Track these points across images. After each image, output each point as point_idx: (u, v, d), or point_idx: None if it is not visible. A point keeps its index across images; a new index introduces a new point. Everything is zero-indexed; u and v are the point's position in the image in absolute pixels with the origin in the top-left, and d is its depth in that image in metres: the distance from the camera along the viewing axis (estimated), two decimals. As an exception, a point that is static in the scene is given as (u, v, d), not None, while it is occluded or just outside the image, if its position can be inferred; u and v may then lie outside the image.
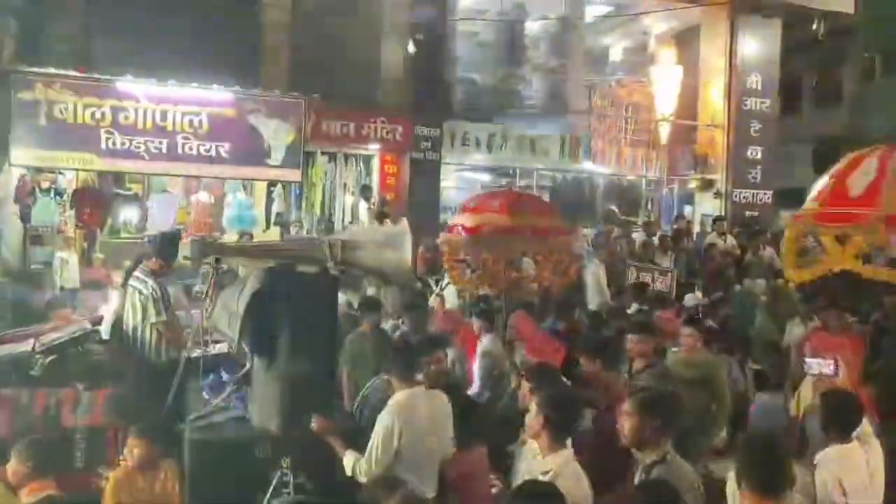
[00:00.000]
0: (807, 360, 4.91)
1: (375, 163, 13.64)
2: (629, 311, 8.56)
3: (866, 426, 4.13)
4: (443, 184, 14.31)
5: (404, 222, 7.89)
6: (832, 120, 22.71)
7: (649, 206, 17.01)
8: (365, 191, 13.08)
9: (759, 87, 16.11)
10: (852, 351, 5.41)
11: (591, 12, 16.22)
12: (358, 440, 4.32)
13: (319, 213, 13.26)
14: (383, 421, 4.15)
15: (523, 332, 6.91)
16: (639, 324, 6.15)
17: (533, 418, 3.56)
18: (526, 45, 15.85)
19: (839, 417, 4.02)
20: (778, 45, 16.42)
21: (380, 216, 11.45)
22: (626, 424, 3.56)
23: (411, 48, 13.25)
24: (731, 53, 16.05)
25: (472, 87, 15.46)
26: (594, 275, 10.43)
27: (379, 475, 4.09)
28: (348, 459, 4.20)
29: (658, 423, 3.51)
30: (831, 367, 4.61)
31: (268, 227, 13.06)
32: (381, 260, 4.98)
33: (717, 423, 5.72)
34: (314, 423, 4.33)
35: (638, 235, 13.23)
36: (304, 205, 13.20)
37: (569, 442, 3.62)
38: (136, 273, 6.25)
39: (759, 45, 16.14)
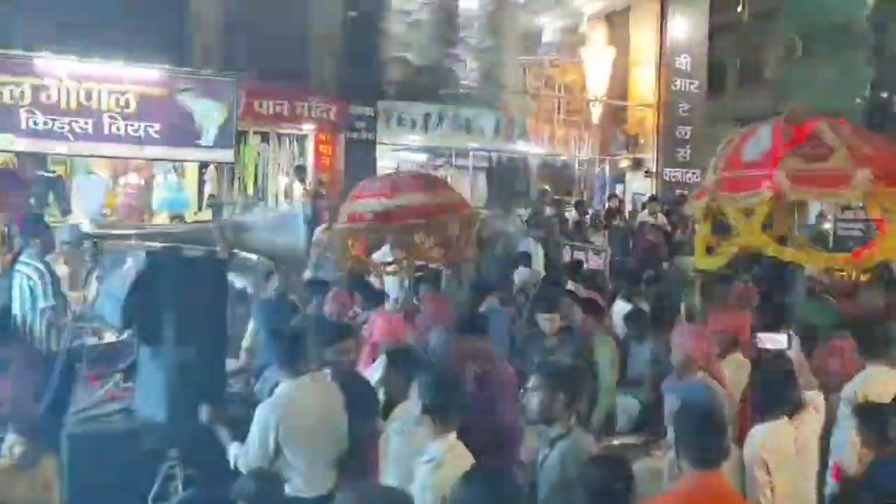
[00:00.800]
0: (758, 335, 4.95)
1: (310, 143, 13.44)
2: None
3: (811, 397, 4.23)
4: (379, 164, 14.21)
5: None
6: (756, 100, 23.39)
7: (582, 185, 17.24)
8: (299, 171, 12.89)
9: (688, 68, 16.47)
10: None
11: (525, -9, 16.28)
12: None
13: (252, 194, 13.03)
14: (260, 414, 3.91)
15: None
16: (547, 301, 6.14)
17: (412, 407, 3.46)
18: (460, 24, 15.79)
19: (767, 395, 4.03)
20: (706, 27, 16.80)
21: (315, 197, 11.33)
22: (533, 400, 3.58)
23: (344, 27, 13.09)
24: (661, 35, 16.35)
25: (406, 66, 15.33)
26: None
27: (258, 469, 3.87)
28: (232, 451, 3.99)
29: (564, 397, 3.53)
30: (784, 341, 4.66)
31: (200, 209, 12.75)
32: (272, 242, 4.91)
33: (596, 402, 5.67)
34: (203, 413, 4.13)
35: (571, 214, 13.44)
36: (236, 186, 12.94)
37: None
38: (23, 257, 5.93)
39: (687, 26, 16.48)
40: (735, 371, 4.82)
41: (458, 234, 7.47)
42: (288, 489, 3.82)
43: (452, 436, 3.41)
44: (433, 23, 15.67)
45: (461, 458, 3.34)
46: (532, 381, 3.64)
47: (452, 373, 3.98)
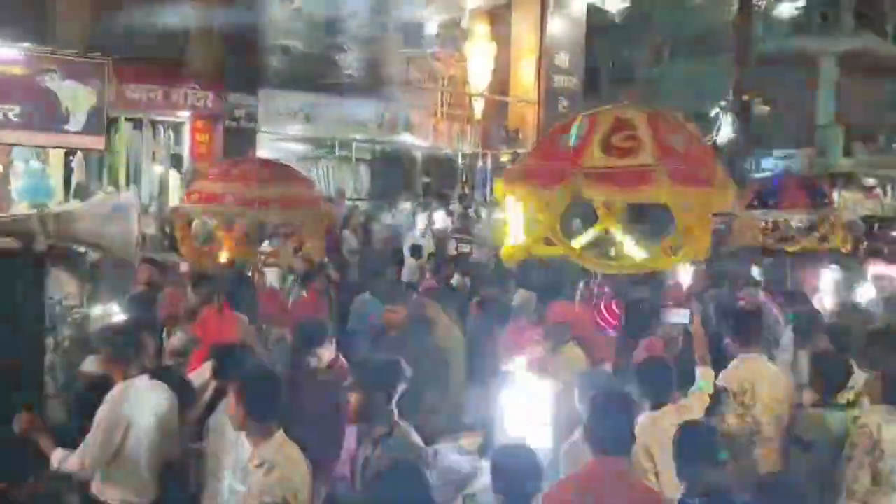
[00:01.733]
0: (663, 310, 5.14)
1: (186, 131, 12.91)
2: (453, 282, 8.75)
3: (702, 384, 4.41)
4: (259, 154, 13.83)
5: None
6: (626, 100, 24.37)
7: (465, 178, 17.41)
8: (175, 160, 12.36)
9: (568, 66, 16.92)
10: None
11: (408, -18, 16.23)
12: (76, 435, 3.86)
13: (124, 183, 12.37)
14: (100, 414, 3.77)
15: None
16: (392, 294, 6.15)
17: (233, 409, 3.32)
18: (344, 14, 15.56)
19: (648, 385, 4.10)
20: (584, 26, 17.31)
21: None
22: (352, 399, 3.53)
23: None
24: (542, 32, 16.72)
25: (289, 55, 14.98)
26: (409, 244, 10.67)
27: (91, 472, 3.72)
28: (55, 458, 3.73)
29: (381, 396, 3.49)
30: (686, 316, 4.84)
31: (66, 198, 11.97)
32: (101, 233, 4.65)
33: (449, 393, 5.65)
34: (17, 421, 3.80)
35: (455, 207, 13.56)
36: (106, 175, 12.24)
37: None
38: None
39: (567, 24, 16.94)
40: (566, 363, 4.95)
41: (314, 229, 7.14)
42: (115, 495, 3.72)
43: (279, 435, 3.30)
44: (315, 12, 15.36)
45: (294, 458, 3.28)
46: (347, 381, 3.59)
47: (273, 373, 3.77)
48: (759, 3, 16.86)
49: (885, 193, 25.19)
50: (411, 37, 17.46)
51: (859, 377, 4.44)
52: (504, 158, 17.27)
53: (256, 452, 3.27)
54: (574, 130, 4.62)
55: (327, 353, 4.73)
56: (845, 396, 4.40)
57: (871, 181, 24.14)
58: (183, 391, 4.10)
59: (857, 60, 21.75)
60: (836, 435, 4.16)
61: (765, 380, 4.53)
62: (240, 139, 13.16)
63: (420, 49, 17.34)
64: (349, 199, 14.05)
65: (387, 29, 15.90)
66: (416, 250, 9.76)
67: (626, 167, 4.35)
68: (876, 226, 19.13)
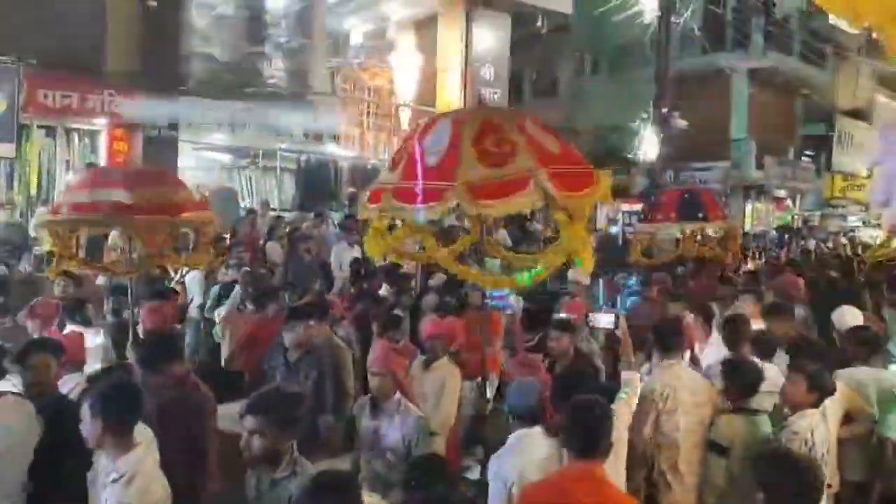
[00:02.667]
0: (590, 315, 5.18)
1: (103, 139, 12.47)
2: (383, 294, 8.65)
3: (624, 393, 4.45)
4: (180, 164, 13.47)
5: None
6: (550, 112, 24.82)
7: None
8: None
9: (492, 78, 17.10)
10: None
11: (333, -7, 16.15)
12: None
13: (36, 193, 11.85)
14: None
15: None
16: (293, 310, 5.89)
17: (90, 426, 3.19)
18: (267, 21, 15.32)
19: (517, 407, 3.91)
20: (508, 39, 17.55)
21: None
22: (254, 444, 3.23)
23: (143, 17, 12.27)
24: (467, 44, 16.85)
25: (211, 63, 14.64)
26: (337, 256, 10.54)
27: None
28: None
29: (287, 435, 3.29)
30: (612, 320, 4.90)
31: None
32: None
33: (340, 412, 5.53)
34: None
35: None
36: (17, 184, 11.70)
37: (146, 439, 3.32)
38: None
39: (491, 37, 17.13)
40: (437, 377, 4.94)
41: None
42: None
43: (140, 449, 3.20)
44: (238, 19, 15.08)
45: (151, 473, 3.18)
46: (247, 422, 3.26)
47: (130, 384, 3.59)
48: (677, 21, 17.37)
49: (794, 204, 26.38)
50: (337, 47, 17.36)
51: (778, 381, 4.57)
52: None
53: (115, 466, 3.15)
54: (437, 138, 4.29)
55: (178, 368, 4.40)
56: (762, 401, 4.52)
57: (781, 193, 25.22)
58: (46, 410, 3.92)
59: (766, 77, 22.71)
60: (751, 440, 4.25)
61: (685, 385, 4.60)
62: (160, 148, 12.81)
63: (346, 59, 17.25)
64: (273, 210, 13.80)
65: (312, 37, 15.73)
66: (356, 262, 9.62)
67: (505, 176, 4.09)
68: (786, 236, 20.02)
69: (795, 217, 25.75)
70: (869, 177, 29.22)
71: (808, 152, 25.70)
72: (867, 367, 4.98)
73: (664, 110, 15.32)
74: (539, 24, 19.10)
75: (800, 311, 7.16)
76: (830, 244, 19.55)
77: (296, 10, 15.62)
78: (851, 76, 27.05)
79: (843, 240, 20.75)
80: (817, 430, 4.08)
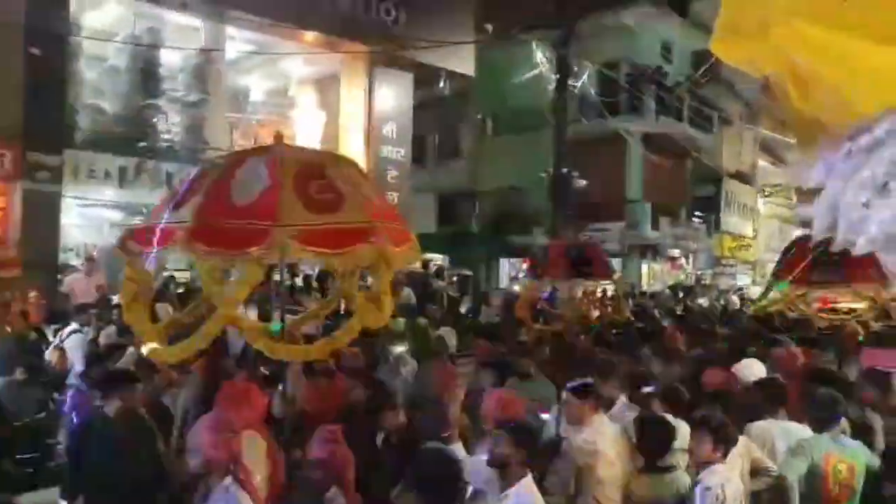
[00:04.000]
0: None
1: (-23, 193, 11.64)
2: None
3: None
4: (63, 220, 12.70)
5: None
6: (453, 172, 25.05)
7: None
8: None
9: (395, 136, 17.08)
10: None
11: (233, 48, 15.79)
12: None
13: None
14: None
15: None
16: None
17: None
18: (162, 75, 14.85)
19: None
20: (410, 98, 17.63)
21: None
22: None
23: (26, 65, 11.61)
24: (370, 102, 16.82)
25: (100, 115, 14.01)
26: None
27: None
28: None
29: None
30: None
31: None
32: None
33: None
34: None
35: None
36: None
37: None
38: None
39: (394, 95, 17.17)
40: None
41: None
42: None
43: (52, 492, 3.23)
44: (131, 71, 14.55)
45: None
46: None
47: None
48: (574, 85, 17.87)
49: (687, 262, 27.29)
50: (236, 102, 16.99)
51: (685, 432, 4.47)
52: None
53: None
54: (255, 177, 3.94)
55: None
56: (672, 459, 4.43)
57: (675, 252, 26.06)
58: None
59: (659, 141, 23.62)
60: (666, 499, 4.21)
61: (607, 439, 4.50)
62: (42, 203, 12.05)
63: (245, 115, 16.91)
64: (166, 270, 13.12)
65: (210, 92, 15.33)
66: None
67: (336, 224, 3.89)
68: (680, 293, 20.57)
69: (689, 275, 26.60)
70: (754, 238, 30.74)
71: (698, 213, 26.74)
72: (774, 419, 4.96)
73: (564, 169, 15.57)
74: (442, 85, 19.31)
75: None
76: (722, 301, 20.20)
77: (193, 63, 15.24)
78: (736, 141, 28.55)
79: (734, 297, 21.49)
80: (728, 485, 3.99)
